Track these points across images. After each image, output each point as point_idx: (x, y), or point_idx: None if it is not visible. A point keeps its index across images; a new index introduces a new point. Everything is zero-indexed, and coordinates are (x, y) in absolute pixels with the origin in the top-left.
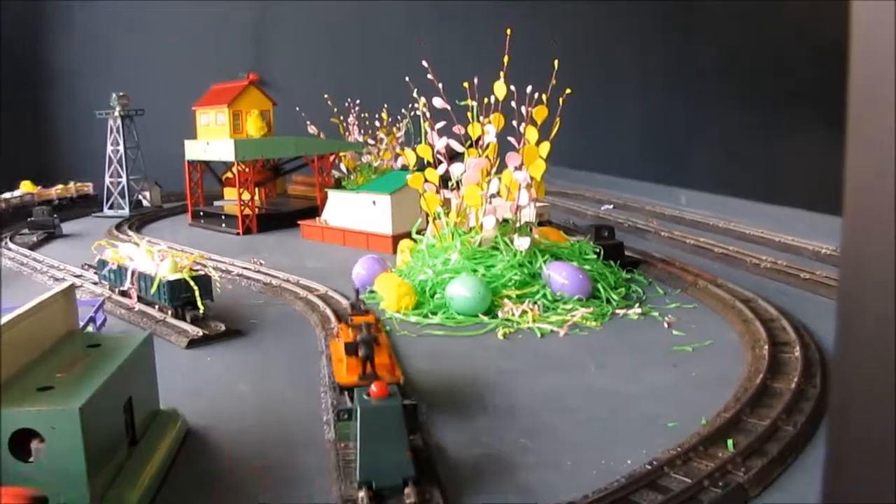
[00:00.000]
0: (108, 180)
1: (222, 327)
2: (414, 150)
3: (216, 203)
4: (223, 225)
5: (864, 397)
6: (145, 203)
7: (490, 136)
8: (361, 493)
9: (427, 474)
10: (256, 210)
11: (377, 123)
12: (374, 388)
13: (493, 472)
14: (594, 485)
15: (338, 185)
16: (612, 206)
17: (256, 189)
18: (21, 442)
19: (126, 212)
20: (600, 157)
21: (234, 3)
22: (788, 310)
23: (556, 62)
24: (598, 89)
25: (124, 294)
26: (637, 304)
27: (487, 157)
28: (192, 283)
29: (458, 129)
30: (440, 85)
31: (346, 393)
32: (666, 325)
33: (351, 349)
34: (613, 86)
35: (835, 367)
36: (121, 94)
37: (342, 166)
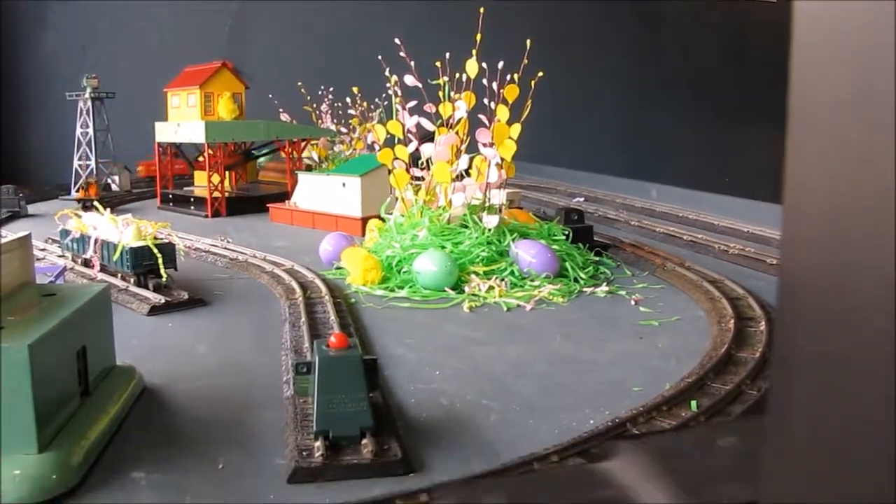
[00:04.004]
0: (76, 163)
1: (185, 295)
2: (384, 125)
3: (186, 189)
4: (192, 208)
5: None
6: (114, 187)
7: (461, 112)
8: (318, 443)
9: (385, 428)
10: (226, 194)
11: (349, 101)
12: (333, 339)
13: (454, 428)
14: (555, 442)
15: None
16: (583, 199)
17: (227, 173)
18: None
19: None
20: (573, 154)
21: None
22: (755, 290)
23: (528, 41)
24: (573, 88)
25: (87, 263)
26: (605, 283)
27: (458, 133)
28: (155, 250)
29: (429, 107)
30: (412, 63)
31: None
32: (633, 303)
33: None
34: (587, 86)
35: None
36: (92, 75)
37: (314, 155)
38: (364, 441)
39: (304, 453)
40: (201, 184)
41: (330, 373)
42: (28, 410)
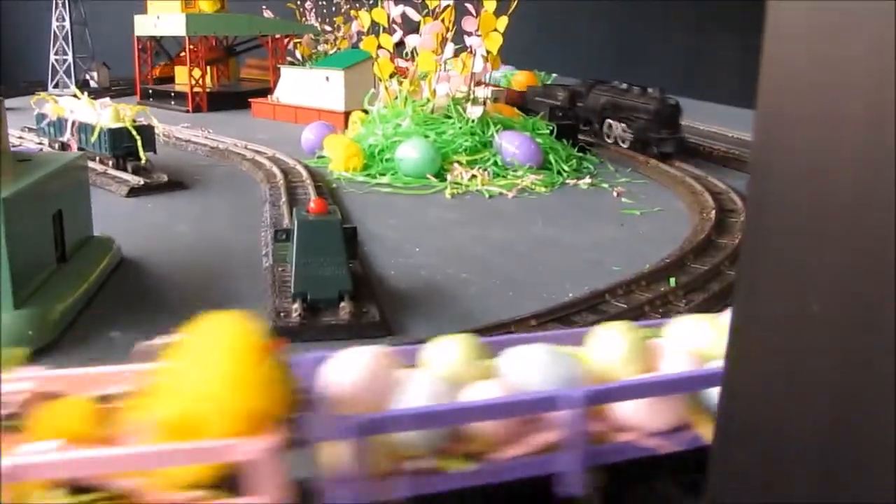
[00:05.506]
0: (52, 58)
1: (165, 178)
2: (369, 12)
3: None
4: (173, 102)
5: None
6: (92, 84)
7: (447, 0)
8: (296, 305)
9: (364, 294)
10: (208, 89)
11: None
12: (312, 204)
13: (433, 297)
14: (534, 310)
15: None
16: None
17: (208, 68)
18: None
19: (72, 91)
20: (560, 58)
21: None
22: (738, 187)
23: None
24: None
25: (64, 147)
26: (588, 176)
27: (443, 21)
28: (133, 132)
29: None
30: None
31: None
32: (615, 195)
33: None
34: None
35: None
36: None
37: (297, 54)
38: (342, 304)
39: (282, 314)
40: (182, 81)
41: (309, 236)
42: (3, 267)
